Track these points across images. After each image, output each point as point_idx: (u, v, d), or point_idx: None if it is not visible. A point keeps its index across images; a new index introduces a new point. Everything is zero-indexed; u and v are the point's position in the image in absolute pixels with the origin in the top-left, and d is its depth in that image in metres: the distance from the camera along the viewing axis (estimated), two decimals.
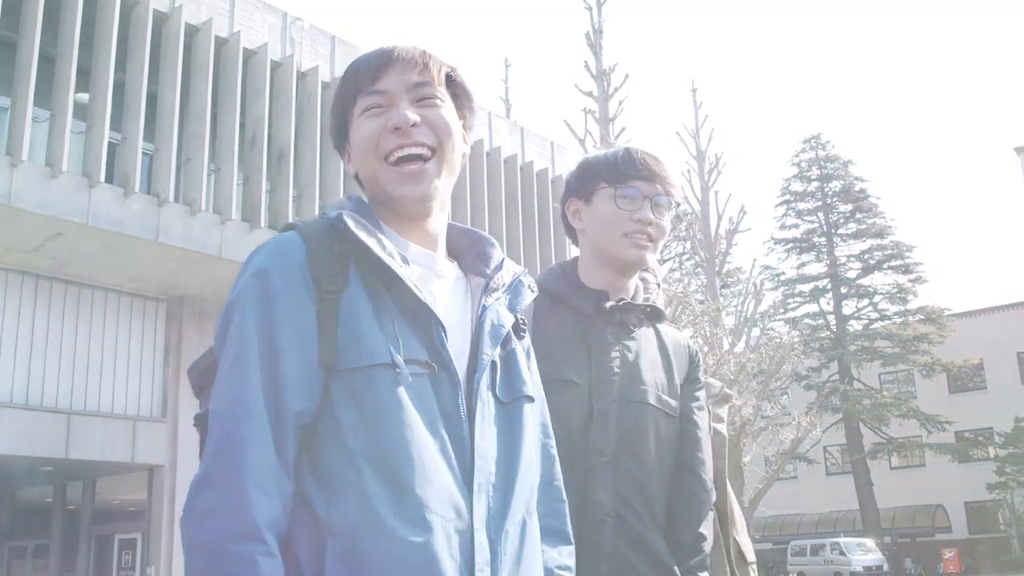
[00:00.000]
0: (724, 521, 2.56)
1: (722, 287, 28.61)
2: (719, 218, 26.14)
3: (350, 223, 1.41)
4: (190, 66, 13.87)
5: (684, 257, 31.39)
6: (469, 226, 1.67)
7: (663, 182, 2.20)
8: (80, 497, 16.43)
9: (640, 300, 2.25)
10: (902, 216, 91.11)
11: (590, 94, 22.61)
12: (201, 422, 1.48)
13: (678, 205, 2.29)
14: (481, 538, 1.35)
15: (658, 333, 2.27)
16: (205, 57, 13.94)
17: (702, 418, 2.24)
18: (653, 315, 2.26)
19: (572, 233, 2.32)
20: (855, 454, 37.52)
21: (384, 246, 1.42)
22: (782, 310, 37.50)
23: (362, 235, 1.40)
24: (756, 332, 23.35)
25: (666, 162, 2.26)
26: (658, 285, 2.82)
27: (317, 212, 14.62)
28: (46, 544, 16.89)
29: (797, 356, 24.55)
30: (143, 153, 13.11)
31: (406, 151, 1.48)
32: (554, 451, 1.65)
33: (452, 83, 1.56)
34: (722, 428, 2.72)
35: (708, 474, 2.20)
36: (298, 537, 1.31)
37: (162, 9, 13.59)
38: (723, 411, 2.77)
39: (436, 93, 1.52)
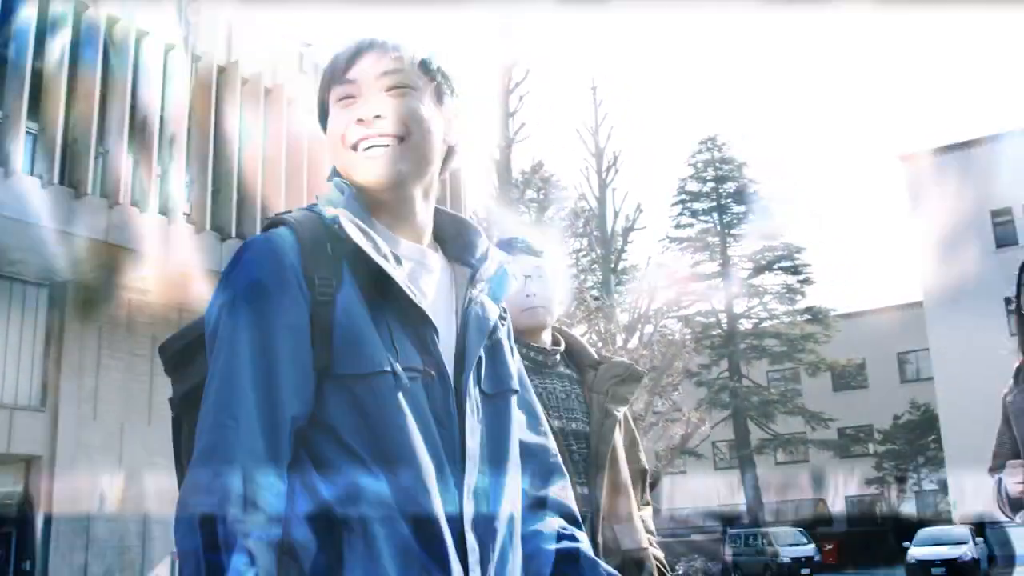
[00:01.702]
0: (596, 510, 2.54)
1: (617, 284, 28.94)
2: (616, 215, 26.50)
3: (345, 225, 1.38)
4: (79, 44, 13.41)
5: (581, 254, 31.67)
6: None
7: None
8: None
9: None
10: (792, 218, 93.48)
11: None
12: (175, 406, 1.50)
13: None
14: (472, 540, 1.36)
15: None
16: (96, 36, 13.50)
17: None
18: None
19: None
20: (742, 449, 38.41)
21: (379, 247, 1.40)
22: (675, 308, 38.15)
23: (357, 237, 1.38)
24: (649, 329, 23.70)
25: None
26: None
27: (209, 197, 14.45)
28: None
29: (688, 353, 24.99)
30: (27, 132, 12.64)
31: (370, 142, 1.46)
32: (547, 428, 1.67)
33: (429, 70, 1.53)
34: (616, 410, 2.69)
35: None
36: (302, 527, 1.29)
37: None
38: (627, 390, 2.75)
39: (406, 82, 1.49)
